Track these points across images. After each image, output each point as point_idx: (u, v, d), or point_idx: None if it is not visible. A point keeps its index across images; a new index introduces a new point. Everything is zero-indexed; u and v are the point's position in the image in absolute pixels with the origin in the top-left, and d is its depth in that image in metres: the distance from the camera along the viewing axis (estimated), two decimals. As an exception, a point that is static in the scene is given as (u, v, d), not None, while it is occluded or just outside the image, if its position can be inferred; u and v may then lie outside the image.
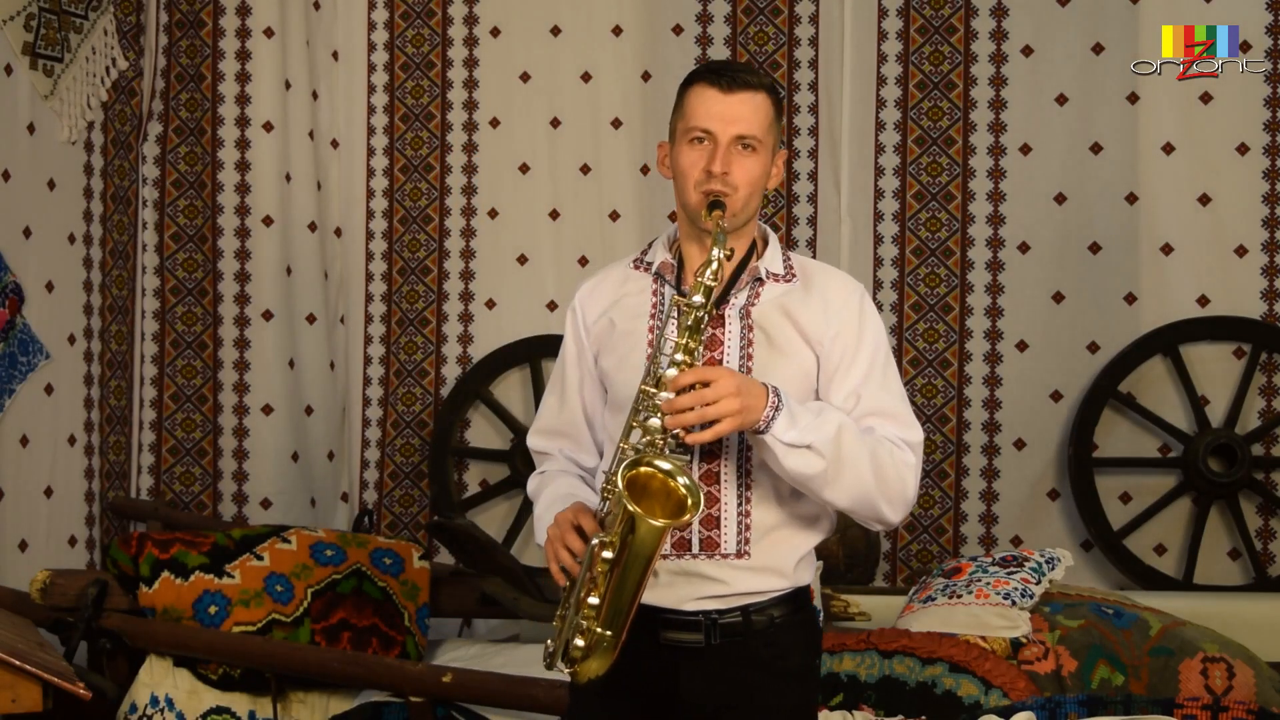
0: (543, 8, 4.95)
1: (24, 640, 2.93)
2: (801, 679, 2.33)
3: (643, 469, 2.08)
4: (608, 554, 2.07)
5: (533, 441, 2.47)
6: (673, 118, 2.35)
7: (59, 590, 3.62)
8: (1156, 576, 4.60)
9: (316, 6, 4.98)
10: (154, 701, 3.61)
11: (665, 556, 2.19)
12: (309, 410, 4.94)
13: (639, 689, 2.26)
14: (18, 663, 2.63)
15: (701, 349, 2.17)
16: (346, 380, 5.05)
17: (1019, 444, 4.75)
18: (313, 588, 3.78)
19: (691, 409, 2.07)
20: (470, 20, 5.00)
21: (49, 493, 4.34)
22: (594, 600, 2.09)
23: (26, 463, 4.24)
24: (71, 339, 4.46)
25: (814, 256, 4.83)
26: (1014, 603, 3.46)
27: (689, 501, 2.06)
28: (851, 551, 4.59)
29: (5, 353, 4.15)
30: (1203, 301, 4.66)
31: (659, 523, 2.04)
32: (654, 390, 2.11)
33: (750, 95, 2.27)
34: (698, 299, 2.13)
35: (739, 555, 2.24)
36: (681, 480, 2.07)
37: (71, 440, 4.45)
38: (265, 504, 4.89)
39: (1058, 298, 4.74)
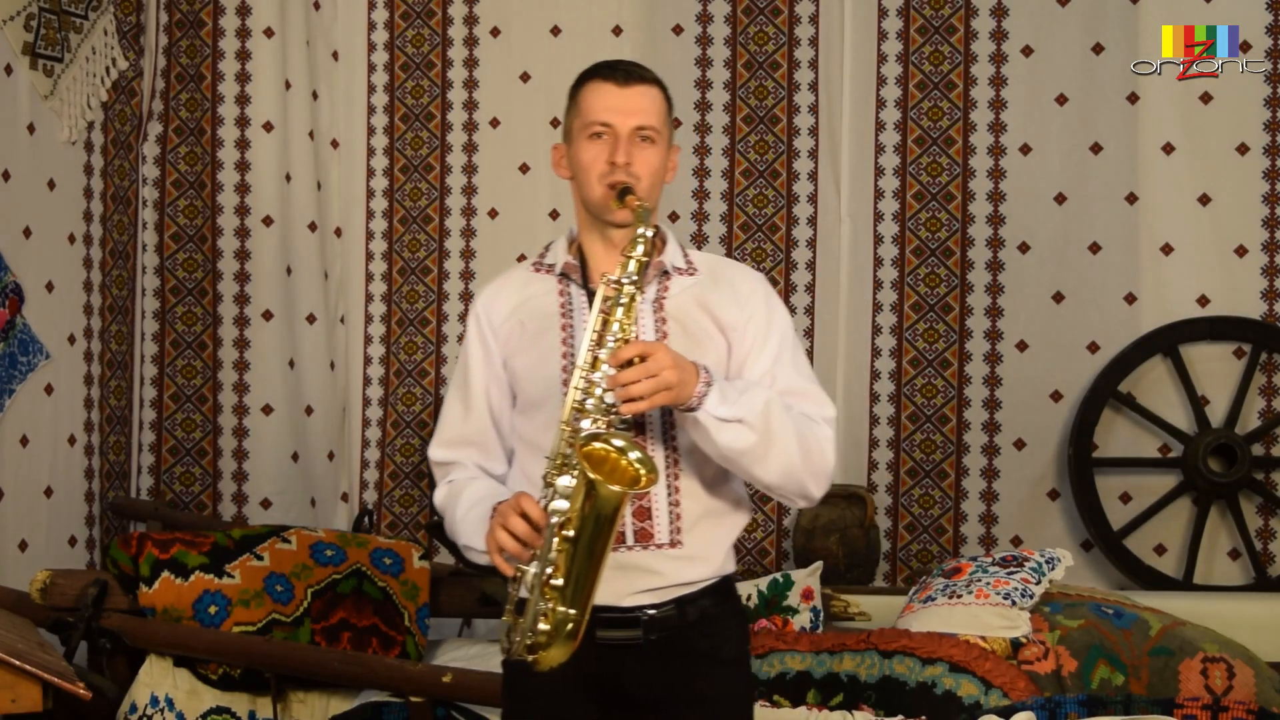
0: (543, 8, 4.95)
1: (24, 640, 2.93)
2: (737, 667, 2.37)
3: (597, 446, 2.10)
4: (568, 531, 2.08)
5: (436, 453, 2.43)
6: (567, 118, 2.36)
7: (59, 590, 3.61)
8: (1156, 576, 4.60)
9: (316, 6, 4.98)
10: (154, 701, 3.61)
11: None
12: (309, 410, 4.94)
13: (578, 687, 2.27)
14: (18, 663, 2.63)
15: (633, 329, 2.19)
16: (346, 380, 5.05)
17: (1019, 444, 4.75)
18: (313, 588, 3.78)
19: (635, 381, 2.09)
20: (470, 20, 5.00)
21: (49, 493, 4.34)
22: (557, 582, 2.09)
23: (26, 463, 4.24)
24: (71, 339, 4.46)
25: (814, 257, 4.84)
26: (1014, 603, 3.46)
27: (642, 472, 2.07)
28: (851, 551, 4.59)
29: (5, 353, 4.15)
30: (1203, 301, 4.66)
31: (618, 489, 2.05)
32: (590, 372, 2.14)
33: (645, 89, 2.32)
34: (629, 275, 2.15)
35: (672, 545, 2.27)
36: (634, 455, 2.09)
37: (71, 440, 4.45)
38: (265, 504, 4.89)
39: (1058, 298, 4.74)
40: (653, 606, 2.27)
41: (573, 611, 2.10)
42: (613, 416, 2.13)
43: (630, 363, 2.10)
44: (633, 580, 2.26)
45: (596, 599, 2.17)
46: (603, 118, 2.29)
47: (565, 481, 2.11)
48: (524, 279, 2.40)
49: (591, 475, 2.05)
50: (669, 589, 2.28)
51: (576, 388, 2.15)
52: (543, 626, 2.11)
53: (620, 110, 2.28)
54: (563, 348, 2.30)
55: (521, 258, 4.94)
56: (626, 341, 2.14)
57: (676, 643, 2.28)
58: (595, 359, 2.14)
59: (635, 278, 2.16)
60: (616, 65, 2.34)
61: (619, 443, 2.10)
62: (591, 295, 2.25)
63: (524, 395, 2.34)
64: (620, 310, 2.15)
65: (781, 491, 2.27)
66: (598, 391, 2.13)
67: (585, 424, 2.12)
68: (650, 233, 2.19)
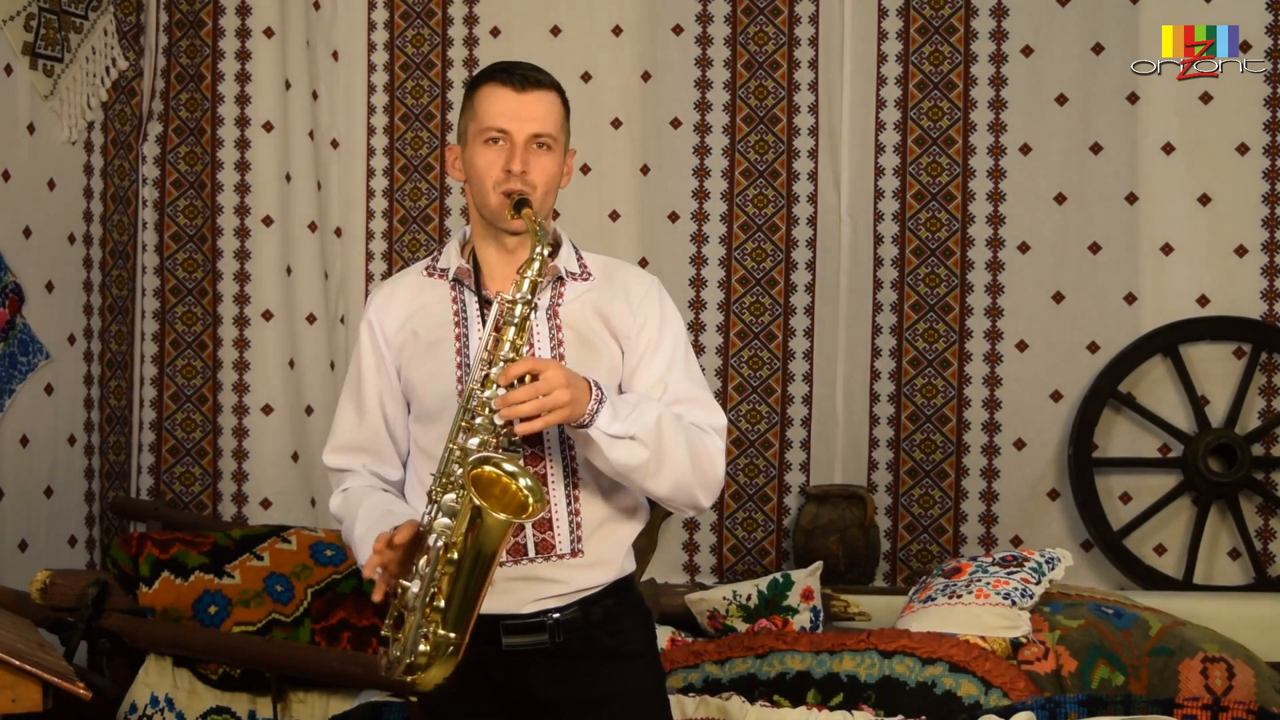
0: (543, 8, 4.94)
1: (24, 640, 2.93)
2: (645, 659, 2.37)
3: (487, 469, 2.07)
4: (452, 555, 2.05)
5: (330, 459, 2.41)
6: (462, 120, 2.33)
7: (59, 590, 3.61)
8: (1156, 576, 4.60)
9: (316, 6, 4.98)
10: (154, 701, 3.61)
11: (502, 564, 2.18)
12: (309, 410, 4.94)
13: (491, 693, 2.27)
14: (18, 663, 2.63)
15: (525, 347, 2.17)
16: (346, 380, 5.04)
17: (1019, 444, 4.75)
18: (313, 588, 3.78)
19: (525, 401, 2.07)
20: (470, 20, 5.00)
21: (49, 493, 4.34)
22: (439, 604, 2.06)
23: (26, 463, 4.24)
24: (71, 339, 4.47)
25: (814, 257, 4.84)
26: (1014, 603, 3.46)
27: (530, 501, 2.05)
28: (851, 551, 4.60)
29: (5, 353, 4.16)
30: (1203, 301, 4.66)
31: (503, 517, 2.02)
32: (480, 389, 2.11)
33: (543, 94, 2.28)
34: (523, 295, 2.13)
35: (574, 554, 2.27)
36: (524, 481, 2.07)
37: (71, 440, 4.45)
38: (265, 504, 4.89)
39: (1058, 298, 4.74)
40: (556, 610, 2.26)
41: (453, 635, 2.08)
42: (502, 437, 2.11)
43: (521, 380, 2.08)
44: (535, 589, 2.26)
45: (499, 608, 2.18)
46: (499, 123, 2.25)
47: (451, 499, 2.09)
48: (417, 285, 2.36)
49: (478, 502, 2.01)
50: (571, 594, 2.28)
51: (466, 407, 2.12)
52: (423, 648, 2.08)
53: (517, 116, 2.24)
54: (457, 358, 2.27)
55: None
56: (516, 360, 2.11)
57: (582, 643, 2.27)
58: (486, 377, 2.11)
59: (529, 297, 2.14)
60: (514, 69, 2.29)
61: (510, 467, 2.07)
62: (484, 303, 2.23)
63: (419, 406, 2.32)
64: (512, 330, 2.12)
65: (672, 503, 2.27)
66: (488, 411, 2.10)
67: (474, 443, 2.09)
68: (546, 251, 2.16)
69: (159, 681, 3.63)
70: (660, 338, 2.31)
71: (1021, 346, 4.76)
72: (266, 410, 4.90)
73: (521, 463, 2.12)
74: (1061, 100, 4.72)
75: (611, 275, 2.36)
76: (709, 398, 2.33)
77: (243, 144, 4.88)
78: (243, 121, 4.88)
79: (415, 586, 2.08)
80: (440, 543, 2.07)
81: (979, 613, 3.46)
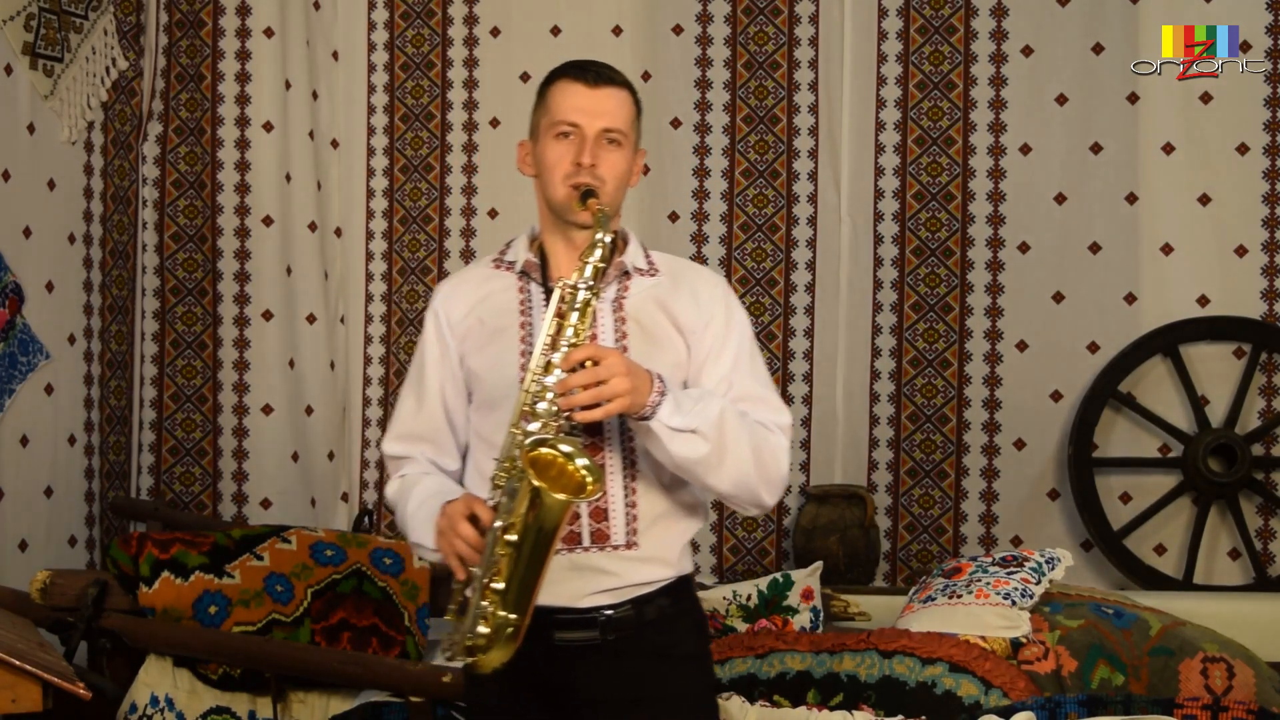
0: (543, 8, 4.95)
1: (24, 640, 2.92)
2: (697, 665, 2.37)
3: (544, 451, 2.08)
4: (511, 536, 2.06)
5: (390, 447, 2.43)
6: (534, 115, 2.35)
7: (59, 590, 3.61)
8: (1156, 576, 4.60)
9: (316, 6, 4.98)
10: (154, 701, 3.61)
11: (558, 552, 2.19)
12: (309, 410, 4.94)
13: (536, 690, 2.26)
14: (18, 663, 2.63)
15: (588, 333, 2.18)
16: (346, 380, 5.05)
17: (1019, 444, 4.76)
18: (313, 588, 3.78)
19: (584, 386, 2.08)
20: (470, 20, 5.00)
21: (49, 493, 4.34)
22: (498, 585, 2.08)
23: (26, 463, 4.24)
24: (71, 339, 4.46)
25: (814, 257, 4.84)
26: (1014, 603, 3.46)
27: (588, 481, 2.06)
28: (851, 551, 4.59)
29: (5, 353, 4.15)
30: (1203, 301, 4.66)
31: (562, 497, 2.04)
32: (542, 375, 2.12)
33: (615, 91, 2.30)
34: (585, 279, 2.14)
35: (628, 546, 2.27)
36: (581, 462, 2.08)
37: (71, 440, 4.45)
38: (265, 504, 4.89)
39: (1058, 298, 4.74)
40: (610, 607, 2.26)
41: (513, 616, 2.09)
42: (562, 421, 2.12)
43: (582, 366, 2.09)
44: (589, 581, 2.26)
45: (553, 600, 2.17)
46: (570, 118, 2.27)
47: (514, 484, 2.10)
48: (483, 276, 2.39)
49: (536, 482, 2.03)
50: (625, 589, 2.27)
51: (528, 390, 2.14)
52: (482, 630, 2.09)
53: (588, 111, 2.27)
54: (521, 346, 2.29)
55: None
56: (579, 345, 2.12)
57: (632, 643, 2.27)
58: (548, 363, 2.13)
59: (591, 283, 2.15)
60: (587, 66, 2.32)
61: (566, 448, 2.09)
62: (550, 295, 2.24)
63: (480, 393, 2.33)
64: (575, 315, 2.14)
65: (735, 500, 2.27)
66: (549, 395, 2.11)
67: (535, 427, 2.11)
68: (609, 238, 2.18)
69: (159, 681, 3.63)
70: (726, 336, 2.32)
71: (1021, 346, 4.76)
72: (266, 410, 4.90)
73: (581, 444, 2.13)
74: (1061, 100, 4.72)
75: (679, 273, 2.38)
76: (774, 397, 2.33)
77: (243, 144, 4.88)
78: (243, 121, 4.88)
79: (476, 570, 2.10)
80: (500, 524, 2.08)
81: (979, 613, 3.46)
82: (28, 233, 4.25)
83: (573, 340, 2.13)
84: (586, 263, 2.16)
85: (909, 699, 3.21)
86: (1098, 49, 4.69)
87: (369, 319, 5.07)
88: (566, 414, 2.11)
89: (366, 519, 4.79)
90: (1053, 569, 3.63)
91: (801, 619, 3.81)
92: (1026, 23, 4.74)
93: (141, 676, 3.64)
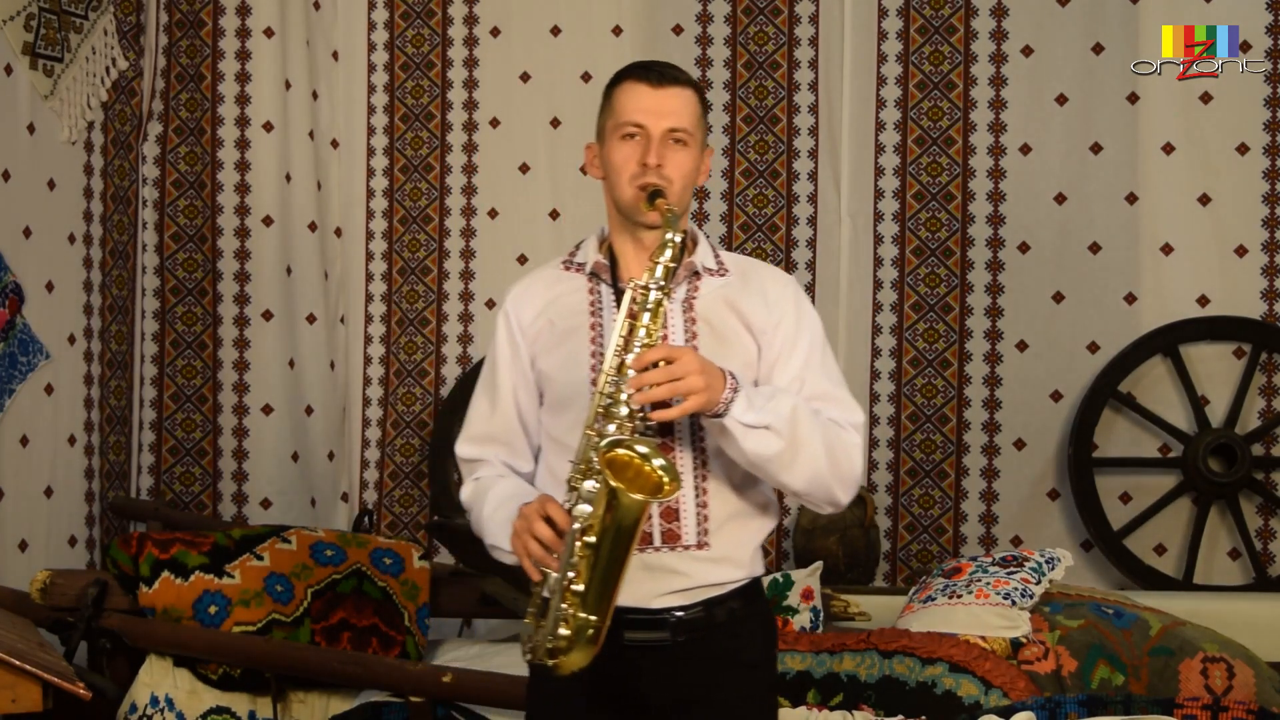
0: (543, 8, 4.95)
1: (24, 640, 2.93)
2: (762, 670, 2.36)
3: (620, 452, 2.08)
4: (590, 538, 2.07)
5: (463, 450, 2.43)
6: (600, 118, 2.35)
7: (59, 590, 3.61)
8: (1156, 576, 4.60)
9: (316, 6, 4.98)
10: (154, 701, 3.61)
11: None
12: (309, 410, 4.94)
13: (600, 689, 2.25)
14: (18, 663, 2.63)
15: (660, 334, 2.18)
16: (346, 380, 5.05)
17: (1019, 444, 4.75)
18: (313, 588, 3.78)
19: (659, 384, 2.08)
20: (470, 20, 5.00)
21: (49, 493, 4.34)
22: (578, 587, 2.09)
23: (26, 463, 4.24)
24: (71, 339, 4.46)
25: (814, 257, 4.84)
26: (1014, 603, 3.46)
27: (665, 480, 2.06)
28: (851, 551, 4.59)
29: (5, 353, 4.15)
30: (1203, 301, 4.66)
31: (640, 497, 2.04)
32: (616, 376, 2.12)
33: (679, 90, 2.29)
34: (656, 280, 2.14)
35: (699, 546, 2.26)
36: (657, 462, 2.08)
37: (71, 440, 4.45)
38: (265, 504, 4.89)
39: (1058, 298, 4.74)
40: (681, 608, 2.26)
41: (593, 618, 2.09)
42: (637, 422, 2.12)
43: (655, 366, 2.09)
44: (660, 582, 2.25)
45: (624, 600, 2.16)
46: (635, 118, 2.27)
47: (590, 485, 2.10)
48: (553, 277, 2.39)
49: (613, 483, 2.04)
50: (696, 590, 2.26)
51: (602, 392, 2.14)
52: (563, 631, 2.10)
53: (653, 111, 2.27)
54: (591, 347, 2.29)
55: (522, 259, 4.96)
56: (652, 346, 2.13)
57: (701, 645, 2.26)
58: (621, 364, 2.13)
59: (663, 283, 2.15)
60: (651, 66, 2.32)
61: (643, 449, 2.09)
62: (620, 295, 2.24)
63: (552, 394, 2.33)
64: (647, 315, 2.14)
65: (809, 498, 2.26)
66: (624, 396, 2.11)
67: (610, 429, 2.11)
68: (678, 238, 2.18)
69: (159, 681, 3.63)
70: (797, 335, 2.31)
71: (1021, 346, 4.76)
72: (266, 410, 4.90)
73: (656, 444, 2.13)
74: (1061, 100, 4.72)
75: (748, 273, 2.37)
76: (847, 395, 2.32)
77: (243, 144, 4.88)
78: (243, 121, 4.88)
79: (556, 572, 2.11)
80: (577, 526, 2.08)
81: (979, 613, 3.46)
82: (28, 233, 4.25)
83: (645, 341, 2.12)
84: (657, 263, 2.16)
85: (909, 699, 3.21)
86: (1098, 49, 4.69)
87: (369, 319, 5.06)
88: (642, 414, 2.11)
89: (366, 519, 4.79)
90: (1053, 569, 3.63)
91: (801, 619, 3.81)
92: (1026, 23, 4.74)
93: (141, 676, 3.64)
